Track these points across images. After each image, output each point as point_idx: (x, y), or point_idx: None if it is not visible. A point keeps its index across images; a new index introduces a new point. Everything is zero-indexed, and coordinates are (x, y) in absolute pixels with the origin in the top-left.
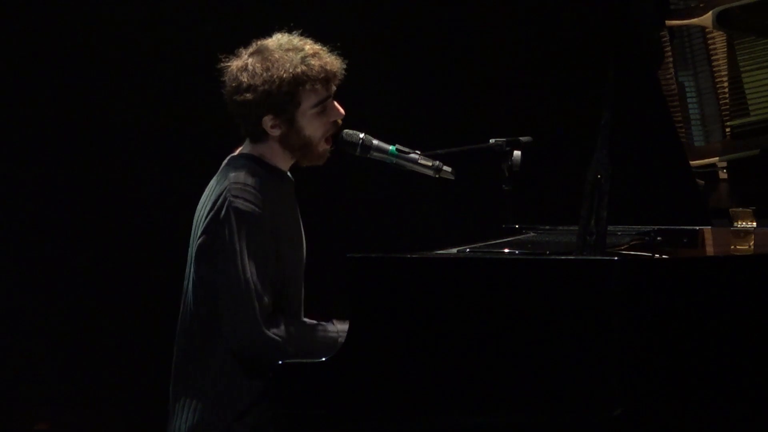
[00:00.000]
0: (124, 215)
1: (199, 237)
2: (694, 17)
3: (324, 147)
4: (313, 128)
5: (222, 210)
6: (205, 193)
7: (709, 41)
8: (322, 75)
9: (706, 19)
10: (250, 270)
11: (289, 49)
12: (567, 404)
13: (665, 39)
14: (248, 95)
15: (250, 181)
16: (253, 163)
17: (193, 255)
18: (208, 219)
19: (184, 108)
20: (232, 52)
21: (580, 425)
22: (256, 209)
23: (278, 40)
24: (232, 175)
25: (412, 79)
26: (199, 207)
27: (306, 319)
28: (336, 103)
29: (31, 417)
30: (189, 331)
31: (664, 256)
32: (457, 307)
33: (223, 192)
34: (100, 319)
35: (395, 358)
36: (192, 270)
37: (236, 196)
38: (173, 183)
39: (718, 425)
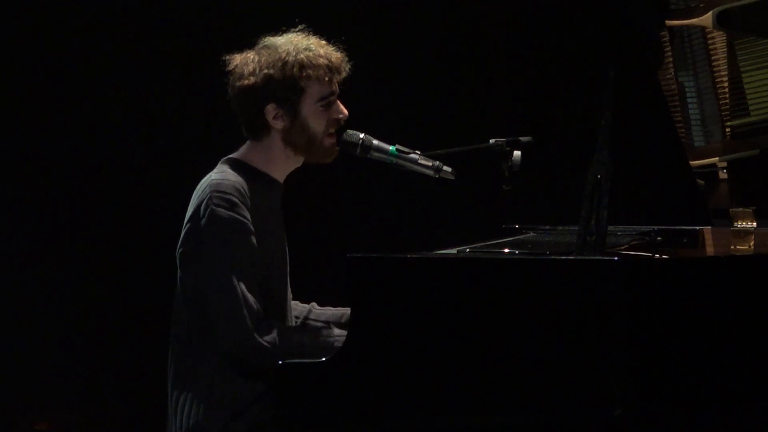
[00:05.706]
0: (123, 215)
1: (181, 245)
2: (694, 17)
3: (329, 142)
4: (317, 123)
5: (204, 218)
6: (193, 195)
7: (709, 41)
8: (326, 63)
9: (706, 19)
10: (236, 277)
11: (294, 40)
12: (567, 404)
13: (665, 39)
14: (251, 79)
15: (231, 187)
16: (237, 168)
17: (178, 263)
18: (189, 226)
19: (186, 108)
20: (234, 52)
21: (580, 425)
22: (239, 216)
23: (285, 35)
24: (214, 182)
25: (412, 79)
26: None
27: (303, 323)
28: (340, 103)
29: (31, 417)
30: (182, 334)
31: (664, 256)
32: (458, 307)
33: (204, 200)
34: (100, 318)
35: (395, 358)
36: (179, 277)
37: (218, 205)
38: (174, 183)
39: (718, 425)
